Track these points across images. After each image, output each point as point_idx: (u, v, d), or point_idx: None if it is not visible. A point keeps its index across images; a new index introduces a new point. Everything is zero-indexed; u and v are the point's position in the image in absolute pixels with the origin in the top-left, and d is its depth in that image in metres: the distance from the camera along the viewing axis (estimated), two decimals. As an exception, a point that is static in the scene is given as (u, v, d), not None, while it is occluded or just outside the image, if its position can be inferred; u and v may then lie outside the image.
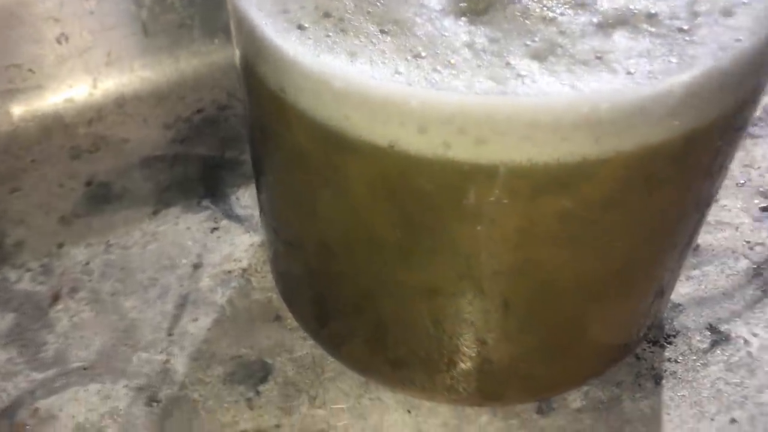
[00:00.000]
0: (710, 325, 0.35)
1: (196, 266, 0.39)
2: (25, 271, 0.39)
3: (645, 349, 0.34)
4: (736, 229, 0.40)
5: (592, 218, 0.24)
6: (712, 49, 0.22)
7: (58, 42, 0.46)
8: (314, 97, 0.23)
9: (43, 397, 0.33)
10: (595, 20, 0.23)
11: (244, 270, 0.38)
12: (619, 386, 0.33)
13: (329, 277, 0.31)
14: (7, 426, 0.32)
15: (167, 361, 0.35)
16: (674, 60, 0.21)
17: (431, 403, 0.33)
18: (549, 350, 0.30)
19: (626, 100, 0.21)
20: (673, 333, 0.35)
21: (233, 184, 0.43)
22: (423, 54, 0.22)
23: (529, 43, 0.22)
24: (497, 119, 0.21)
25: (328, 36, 0.23)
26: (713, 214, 0.40)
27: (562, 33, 0.23)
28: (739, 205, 0.41)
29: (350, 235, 0.27)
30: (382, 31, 0.23)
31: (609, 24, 0.23)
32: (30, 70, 0.47)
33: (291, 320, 0.36)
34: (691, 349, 0.34)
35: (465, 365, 0.30)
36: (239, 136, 0.46)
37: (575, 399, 0.33)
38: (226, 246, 0.40)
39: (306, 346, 0.35)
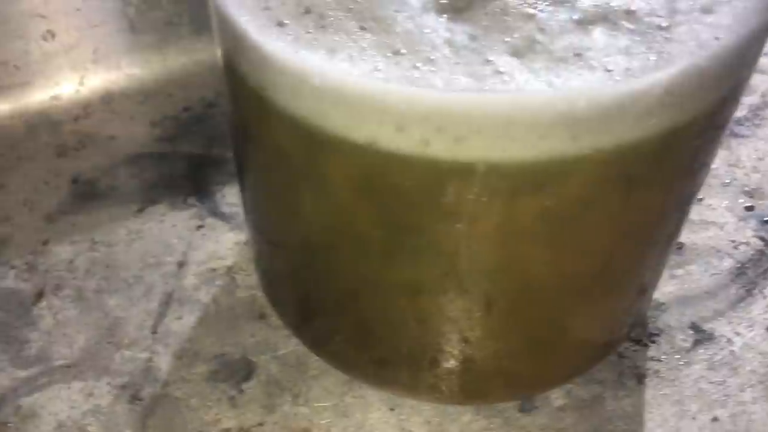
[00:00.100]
0: (693, 324, 0.35)
1: (181, 264, 0.39)
2: (10, 269, 0.38)
3: (628, 348, 0.34)
4: (721, 228, 0.40)
5: (572, 216, 0.24)
6: (691, 47, 0.22)
7: (45, 39, 0.46)
8: (293, 94, 0.23)
9: (26, 395, 0.33)
10: (574, 17, 0.23)
11: (229, 268, 0.38)
12: (601, 384, 0.33)
13: (312, 275, 0.30)
14: (-11, 423, 0.32)
15: (150, 359, 0.35)
16: (653, 57, 0.22)
17: (414, 401, 0.33)
18: (531, 348, 0.30)
19: (603, 98, 0.21)
20: (657, 332, 0.35)
21: (219, 182, 0.43)
22: (403, 51, 0.22)
23: (508, 39, 0.22)
24: (475, 117, 0.21)
25: (308, 32, 0.23)
26: (698, 213, 0.40)
27: (541, 30, 0.23)
28: (724, 205, 0.41)
29: (332, 233, 0.27)
30: (362, 28, 0.23)
31: (588, 21, 0.23)
32: (16, 66, 0.47)
33: (275, 318, 0.36)
34: (673, 348, 0.34)
35: (448, 363, 0.30)
36: (226, 134, 0.46)
37: (558, 397, 0.33)
38: (212, 244, 0.40)
39: (290, 344, 0.35)
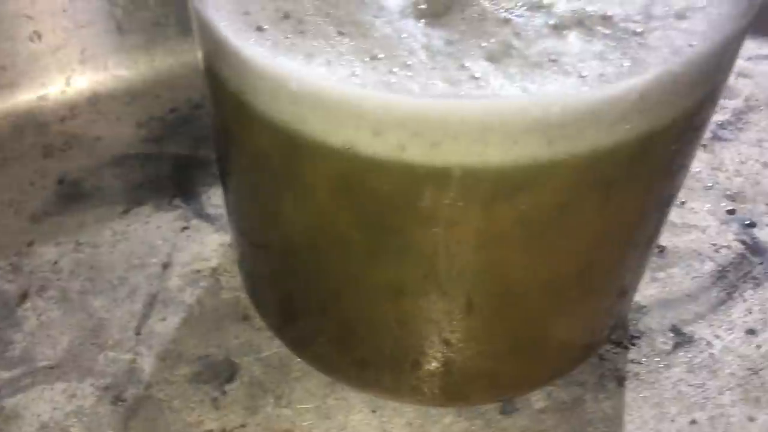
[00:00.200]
0: (674, 326, 0.36)
1: (166, 265, 0.39)
2: (-6, 270, 0.39)
3: (609, 351, 0.35)
4: (703, 231, 0.40)
5: (550, 220, 0.24)
6: (665, 53, 0.22)
7: (31, 40, 0.46)
8: (272, 99, 0.23)
9: (9, 396, 0.33)
10: (551, 22, 0.23)
11: (214, 269, 0.39)
12: (582, 387, 0.33)
13: (294, 277, 0.31)
14: (-29, 424, 0.32)
15: (134, 361, 0.35)
16: (627, 63, 0.22)
17: (396, 403, 0.33)
18: (512, 350, 0.31)
19: (577, 104, 0.21)
20: (638, 334, 0.35)
21: (205, 184, 0.43)
22: (380, 56, 0.23)
23: (484, 44, 0.23)
24: (450, 122, 0.21)
25: (286, 37, 0.23)
26: (680, 217, 0.40)
27: (517, 35, 0.23)
28: (706, 208, 0.41)
29: (313, 235, 0.28)
30: (341, 33, 0.23)
31: (564, 26, 0.23)
32: (2, 67, 0.47)
33: (259, 320, 0.36)
34: (654, 351, 0.35)
35: (429, 366, 0.30)
36: (212, 135, 0.46)
37: (539, 399, 0.33)
38: (196, 245, 0.40)
39: (273, 346, 0.35)
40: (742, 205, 0.41)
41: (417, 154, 0.22)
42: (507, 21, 0.23)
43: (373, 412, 0.33)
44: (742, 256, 0.39)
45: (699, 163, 0.44)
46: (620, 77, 0.21)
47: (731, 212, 0.41)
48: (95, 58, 0.48)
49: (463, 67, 0.22)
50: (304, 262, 0.29)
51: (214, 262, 0.39)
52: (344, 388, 0.33)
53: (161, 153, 0.45)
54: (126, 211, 0.42)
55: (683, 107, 0.23)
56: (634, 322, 0.36)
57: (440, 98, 0.21)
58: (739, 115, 0.47)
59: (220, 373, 0.34)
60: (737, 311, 0.36)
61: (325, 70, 0.22)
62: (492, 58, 0.22)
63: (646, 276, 0.37)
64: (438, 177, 0.22)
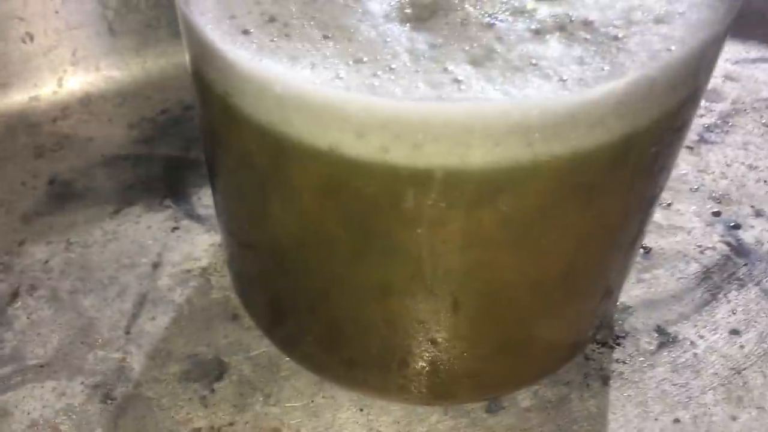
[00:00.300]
0: (658, 327, 0.36)
1: (156, 265, 0.39)
2: (-15, 269, 0.39)
3: (594, 350, 0.35)
4: (688, 233, 0.40)
5: (532, 221, 0.25)
6: (643, 57, 0.22)
7: (23, 41, 0.47)
8: (257, 101, 0.23)
9: (-1, 394, 0.34)
10: (532, 27, 0.24)
11: (204, 269, 0.39)
12: (567, 386, 0.34)
13: (282, 277, 0.31)
14: (-39, 422, 0.33)
15: (124, 359, 0.35)
16: (606, 67, 0.22)
17: (384, 402, 0.33)
18: (498, 350, 0.31)
19: (556, 107, 0.21)
20: (623, 334, 0.36)
21: (195, 184, 0.43)
22: (364, 59, 0.23)
23: (467, 48, 0.23)
24: (432, 125, 0.21)
25: (272, 41, 0.24)
26: (666, 218, 0.41)
27: (499, 39, 0.23)
28: (692, 210, 0.42)
29: (300, 236, 0.28)
30: (326, 37, 0.24)
31: (546, 30, 0.23)
32: (-6, 68, 0.47)
33: (248, 319, 0.36)
34: (638, 351, 0.35)
35: (416, 365, 0.31)
36: (203, 136, 0.46)
37: (524, 398, 0.33)
38: (186, 245, 0.40)
39: (262, 345, 0.35)
40: (727, 207, 0.42)
41: (400, 156, 0.22)
42: (490, 26, 0.24)
43: (361, 410, 0.33)
44: (727, 257, 0.39)
45: (685, 166, 0.44)
46: (599, 81, 0.22)
47: (716, 214, 0.41)
48: (87, 59, 0.49)
49: (446, 70, 0.22)
50: (292, 263, 0.29)
51: (204, 262, 0.39)
52: (332, 386, 0.34)
53: (152, 154, 0.45)
54: (117, 211, 0.42)
55: (663, 110, 0.24)
56: (620, 322, 0.36)
57: (422, 101, 0.21)
58: (726, 118, 0.48)
59: (209, 372, 0.34)
60: (721, 312, 0.37)
61: (310, 73, 0.22)
62: (474, 62, 0.23)
63: (632, 277, 0.38)
64: (421, 179, 0.23)
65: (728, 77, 0.51)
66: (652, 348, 0.35)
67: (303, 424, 0.32)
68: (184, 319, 0.37)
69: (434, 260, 0.26)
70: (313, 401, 0.33)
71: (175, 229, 0.41)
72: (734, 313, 0.36)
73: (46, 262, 0.39)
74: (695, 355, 0.35)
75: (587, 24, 0.24)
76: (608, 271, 0.31)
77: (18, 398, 0.33)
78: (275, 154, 0.25)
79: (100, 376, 0.34)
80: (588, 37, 0.23)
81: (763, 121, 0.47)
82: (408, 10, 0.25)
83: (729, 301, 0.37)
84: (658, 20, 0.24)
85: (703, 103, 0.49)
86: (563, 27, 0.23)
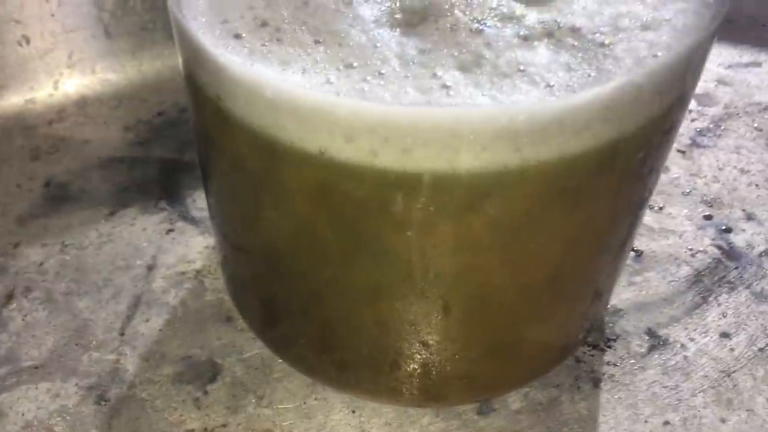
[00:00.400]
0: (649, 329, 0.36)
1: (150, 267, 0.39)
2: (-20, 271, 0.39)
3: (585, 353, 0.35)
4: (680, 236, 0.41)
5: (519, 225, 0.25)
6: (629, 63, 0.23)
7: (20, 44, 0.47)
8: (248, 105, 0.23)
9: (-6, 395, 0.34)
10: (521, 33, 0.24)
11: (198, 271, 0.39)
12: (558, 388, 0.34)
13: (275, 279, 0.31)
14: (-44, 423, 0.33)
15: (118, 361, 0.35)
16: (593, 73, 0.22)
17: (375, 404, 0.33)
18: (489, 352, 0.31)
19: (543, 112, 0.21)
20: (614, 337, 0.36)
21: (190, 187, 0.44)
22: (354, 64, 0.23)
23: (456, 54, 0.23)
24: (420, 129, 0.21)
25: (263, 45, 0.24)
26: (658, 222, 0.41)
27: (488, 45, 0.23)
28: (683, 213, 0.42)
29: (292, 239, 0.28)
30: (317, 42, 0.24)
31: (534, 37, 0.24)
32: (-9, 70, 0.47)
33: (241, 321, 0.36)
34: (629, 353, 0.35)
35: (407, 367, 0.31)
36: (198, 139, 0.46)
37: (515, 400, 0.33)
38: (181, 247, 0.40)
39: (255, 347, 0.36)
40: (718, 211, 0.42)
41: (389, 160, 0.22)
42: (479, 32, 0.24)
43: (353, 412, 0.33)
44: (718, 261, 0.39)
45: (677, 169, 0.44)
46: (585, 87, 0.22)
47: (708, 218, 0.42)
48: (83, 62, 0.49)
49: (435, 75, 0.23)
50: (284, 265, 0.30)
51: (198, 265, 0.39)
52: (325, 388, 0.34)
53: (147, 156, 0.46)
54: (112, 214, 0.42)
55: (650, 115, 0.24)
56: (611, 325, 0.36)
57: (411, 106, 0.22)
58: (718, 122, 0.48)
59: (202, 374, 0.35)
60: (712, 315, 0.37)
61: (301, 77, 0.23)
62: (463, 67, 0.23)
63: (623, 280, 0.38)
64: (410, 182, 0.23)
65: (721, 81, 0.51)
66: (642, 351, 0.35)
67: (295, 425, 0.33)
68: (177, 321, 0.37)
69: (424, 263, 0.26)
70: (305, 403, 0.34)
71: (169, 231, 0.41)
72: (724, 316, 0.37)
73: (41, 264, 0.39)
74: (685, 357, 0.35)
75: (575, 30, 0.24)
76: (597, 274, 0.31)
77: (12, 399, 0.34)
78: (267, 157, 0.25)
79: (95, 377, 0.34)
80: (575, 43, 0.23)
81: (755, 125, 0.48)
82: (398, 16, 0.25)
83: (719, 304, 0.37)
84: (645, 27, 0.24)
85: (695, 107, 0.49)
86: (551, 33, 0.24)
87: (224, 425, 0.33)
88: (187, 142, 0.46)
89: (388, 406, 0.33)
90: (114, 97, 0.49)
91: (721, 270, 0.39)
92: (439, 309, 0.28)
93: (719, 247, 0.40)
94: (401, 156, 0.22)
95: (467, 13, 0.25)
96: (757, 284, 0.38)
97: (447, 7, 0.25)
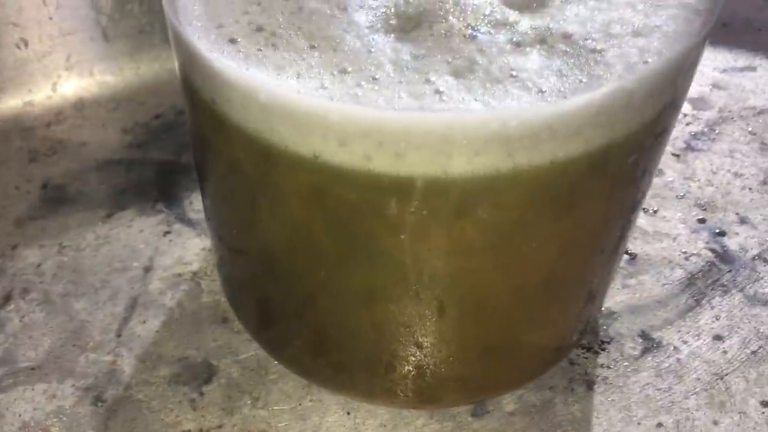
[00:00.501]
0: (643, 332, 0.36)
1: (147, 269, 0.39)
2: (-22, 272, 0.39)
3: (579, 355, 0.35)
4: (674, 239, 0.41)
5: (512, 229, 0.25)
6: (620, 69, 0.23)
7: (18, 47, 0.47)
8: (243, 109, 0.24)
9: (-9, 396, 0.34)
10: (514, 39, 0.24)
11: (194, 273, 0.39)
12: (552, 390, 0.34)
13: (271, 282, 0.31)
14: (-47, 424, 0.33)
15: (114, 362, 0.35)
16: (584, 79, 0.23)
17: (370, 405, 0.34)
18: (483, 355, 0.31)
19: (535, 118, 0.22)
20: (607, 340, 0.36)
21: (187, 189, 0.44)
22: (348, 69, 0.23)
23: (450, 60, 0.23)
24: (413, 134, 0.22)
25: (258, 50, 0.24)
26: (652, 225, 0.41)
27: (481, 51, 0.24)
28: (677, 217, 0.42)
29: (287, 242, 0.28)
30: (312, 46, 0.24)
31: (527, 43, 0.24)
32: (-11, 73, 0.47)
33: (237, 323, 0.37)
34: (623, 356, 0.35)
35: (402, 369, 0.31)
36: (196, 141, 0.47)
37: (509, 402, 0.34)
38: (178, 249, 0.40)
39: (251, 349, 0.36)
40: (712, 214, 0.42)
41: (382, 164, 0.22)
42: (472, 37, 0.24)
43: (348, 413, 0.33)
44: (712, 264, 0.40)
45: (672, 173, 0.45)
46: (577, 93, 0.22)
47: (702, 221, 0.42)
48: (81, 64, 0.49)
49: (428, 81, 0.23)
50: (280, 268, 0.30)
51: (195, 266, 0.40)
52: (320, 390, 0.34)
53: (145, 158, 0.46)
54: (109, 216, 0.42)
55: (641, 120, 0.24)
56: (605, 327, 0.37)
57: (404, 111, 0.22)
58: (713, 126, 0.48)
59: (198, 375, 0.35)
60: (705, 318, 0.37)
61: (295, 82, 0.23)
62: (456, 73, 0.23)
63: (617, 282, 0.38)
64: (403, 186, 0.23)
65: (715, 85, 0.51)
66: (636, 353, 0.36)
67: (290, 426, 0.33)
68: (174, 323, 0.37)
69: (418, 266, 0.26)
70: (300, 404, 0.34)
71: (166, 233, 0.41)
72: (718, 319, 0.37)
73: (39, 265, 0.40)
74: (678, 360, 0.35)
75: (567, 37, 0.24)
76: (591, 277, 0.31)
77: (9, 400, 0.34)
78: (262, 160, 0.25)
79: (91, 378, 0.35)
80: (567, 49, 0.24)
81: (750, 129, 0.48)
82: (393, 21, 0.25)
83: (713, 307, 0.38)
84: (636, 33, 0.24)
85: (690, 110, 0.49)
86: (543, 39, 0.24)
87: (220, 426, 0.33)
88: (184, 144, 0.47)
89: (383, 408, 0.34)
90: (112, 100, 0.49)
91: (715, 273, 0.39)
92: (433, 311, 0.28)
93: (713, 251, 0.40)
94: (395, 160, 0.22)
95: (461, 19, 0.25)
96: (750, 287, 0.38)
97: (441, 13, 0.25)
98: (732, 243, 0.41)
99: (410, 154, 0.22)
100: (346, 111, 0.22)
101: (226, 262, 0.35)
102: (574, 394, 0.34)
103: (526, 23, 0.25)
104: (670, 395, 0.34)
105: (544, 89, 0.22)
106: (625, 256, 0.40)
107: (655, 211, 0.42)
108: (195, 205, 0.43)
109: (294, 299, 0.31)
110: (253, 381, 0.35)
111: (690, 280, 0.39)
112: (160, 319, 0.37)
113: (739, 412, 0.33)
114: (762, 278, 0.39)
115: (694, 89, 0.51)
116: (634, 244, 0.40)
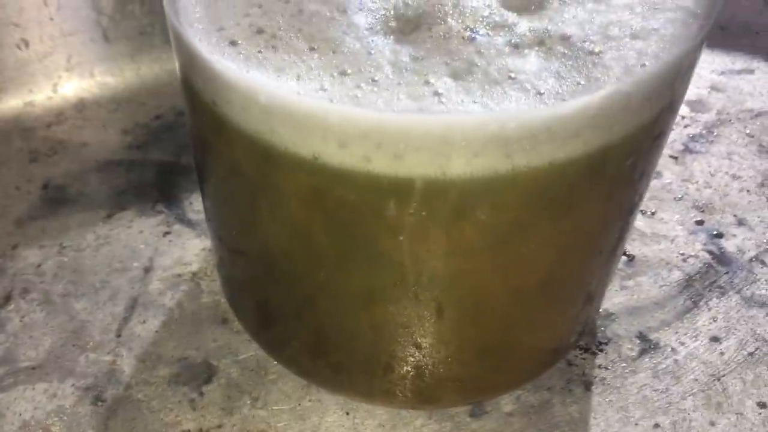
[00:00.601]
0: (640, 333, 0.37)
1: (147, 269, 0.40)
2: (-22, 272, 0.39)
3: (577, 356, 0.36)
4: (672, 241, 0.41)
5: (510, 230, 0.25)
6: (617, 72, 0.23)
7: (19, 47, 0.47)
8: (244, 111, 0.24)
9: (-9, 396, 0.34)
10: (512, 41, 0.24)
11: (194, 274, 0.39)
12: (550, 391, 0.34)
13: (270, 282, 0.31)
14: (-47, 423, 0.33)
15: (114, 362, 0.35)
16: (582, 81, 0.23)
17: (369, 406, 0.34)
18: (482, 355, 0.31)
19: (533, 120, 0.22)
20: (605, 341, 0.36)
21: (187, 190, 0.44)
22: (348, 71, 0.24)
23: (449, 62, 0.24)
24: (412, 136, 0.22)
25: (259, 52, 0.24)
26: (650, 227, 0.41)
27: (480, 53, 0.24)
28: (675, 218, 0.42)
29: (287, 243, 0.28)
30: (312, 48, 0.24)
31: (525, 45, 0.24)
32: (-10, 74, 0.48)
33: (237, 324, 0.37)
34: (620, 357, 0.36)
35: (401, 369, 0.31)
36: (196, 142, 0.47)
37: (507, 403, 0.34)
38: (178, 250, 0.41)
39: (251, 349, 0.36)
40: (710, 216, 0.42)
41: (381, 165, 0.23)
42: (471, 39, 0.24)
43: (347, 414, 0.34)
44: (709, 265, 0.40)
45: (670, 175, 0.45)
46: (575, 95, 0.22)
47: (700, 223, 0.42)
48: (82, 65, 0.49)
49: (427, 83, 0.23)
50: (279, 269, 0.30)
51: (194, 267, 0.40)
52: (319, 390, 0.34)
53: (145, 159, 0.46)
54: (109, 216, 0.42)
55: (639, 122, 0.24)
56: (603, 328, 0.37)
57: (403, 113, 0.22)
58: (711, 128, 0.48)
59: (198, 375, 0.35)
60: (702, 319, 0.37)
61: (295, 84, 0.23)
62: (455, 75, 0.23)
63: (615, 284, 0.39)
64: (402, 188, 0.23)
65: (714, 88, 0.51)
66: (633, 354, 0.36)
67: (290, 426, 0.33)
68: (174, 323, 0.37)
69: (417, 267, 0.26)
70: (299, 404, 0.34)
71: (166, 233, 0.41)
72: (715, 321, 0.37)
73: (39, 265, 0.40)
74: (676, 361, 0.35)
75: (565, 39, 0.24)
76: (589, 278, 0.31)
77: (10, 400, 0.34)
78: (261, 162, 0.25)
79: (91, 378, 0.35)
80: (566, 51, 0.24)
81: (748, 131, 0.48)
82: (392, 24, 0.25)
83: (710, 309, 0.38)
84: (634, 36, 0.24)
85: (688, 113, 0.49)
86: (542, 42, 0.24)
87: (219, 426, 0.33)
88: (184, 145, 0.47)
89: (382, 408, 0.34)
90: (112, 101, 0.50)
91: (712, 275, 0.39)
92: (432, 312, 0.28)
93: (710, 252, 0.40)
94: (394, 162, 0.22)
95: (460, 21, 0.25)
96: (747, 289, 0.39)
97: (440, 15, 0.25)
98: (729, 245, 0.41)
99: (409, 156, 0.22)
100: (346, 112, 0.22)
101: (226, 262, 0.35)
102: (572, 394, 0.34)
103: (524, 25, 0.25)
104: (667, 396, 0.34)
105: (542, 91, 0.22)
106: (623, 258, 0.40)
107: (653, 213, 0.42)
108: (195, 205, 0.43)
109: (293, 300, 0.31)
110: (252, 381, 0.35)
111: (687, 282, 0.39)
112: (159, 319, 0.37)
113: (736, 413, 0.33)
114: (759, 280, 0.39)
115: (692, 92, 0.51)
116: (632, 246, 0.40)
